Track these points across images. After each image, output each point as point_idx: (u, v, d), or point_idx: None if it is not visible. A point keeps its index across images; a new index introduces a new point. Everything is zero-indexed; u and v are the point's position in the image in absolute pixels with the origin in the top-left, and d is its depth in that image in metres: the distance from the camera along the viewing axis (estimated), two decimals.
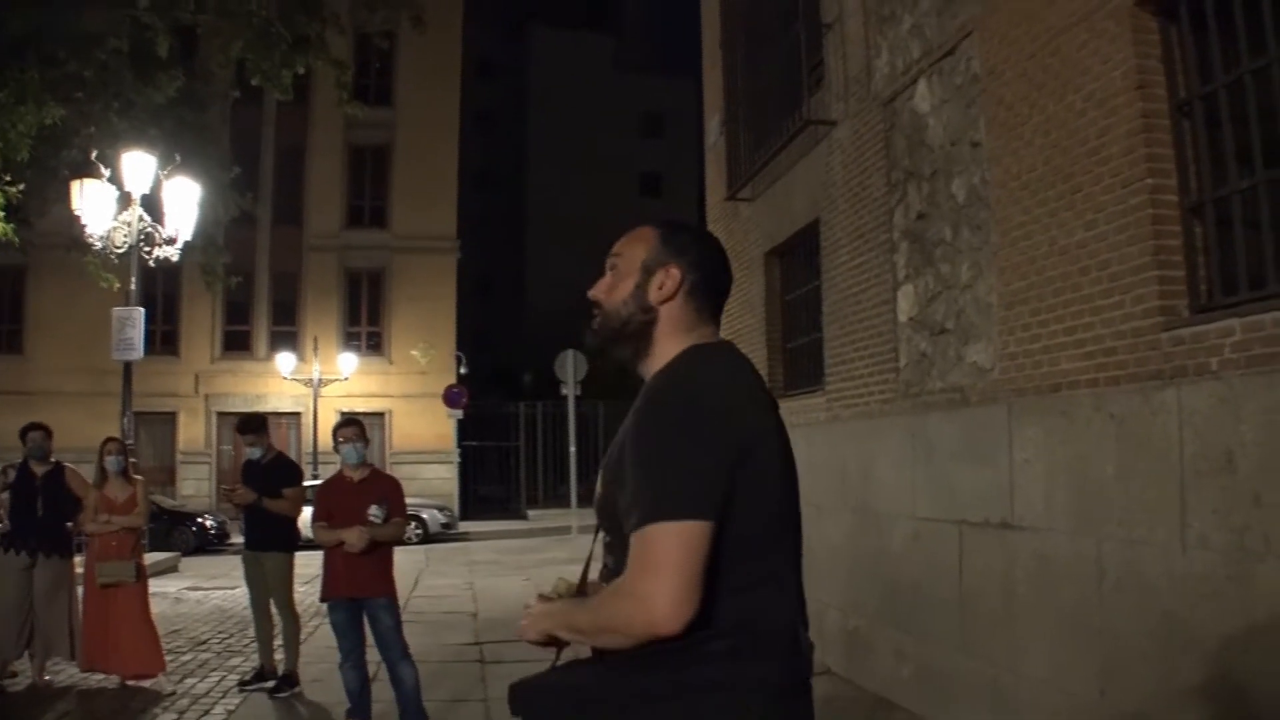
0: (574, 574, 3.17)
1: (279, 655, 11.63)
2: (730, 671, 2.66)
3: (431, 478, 43.31)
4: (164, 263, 20.08)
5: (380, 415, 45.20)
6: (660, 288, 3.04)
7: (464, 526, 38.90)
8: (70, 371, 38.98)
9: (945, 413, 9.63)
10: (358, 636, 9.47)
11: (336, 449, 9.69)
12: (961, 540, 9.19)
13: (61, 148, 21.17)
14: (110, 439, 12.26)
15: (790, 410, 13.21)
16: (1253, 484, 5.87)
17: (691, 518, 2.58)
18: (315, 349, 43.00)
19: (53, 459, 12.00)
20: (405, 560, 16.65)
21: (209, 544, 32.00)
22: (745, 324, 15.44)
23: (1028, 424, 8.21)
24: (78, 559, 12.33)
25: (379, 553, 9.33)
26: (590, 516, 3.38)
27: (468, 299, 52.30)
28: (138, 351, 18.96)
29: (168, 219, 19.56)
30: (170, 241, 19.55)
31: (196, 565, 26.33)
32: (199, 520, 32.96)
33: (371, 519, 9.17)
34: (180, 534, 31.09)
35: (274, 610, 11.64)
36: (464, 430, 44.92)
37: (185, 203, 19.76)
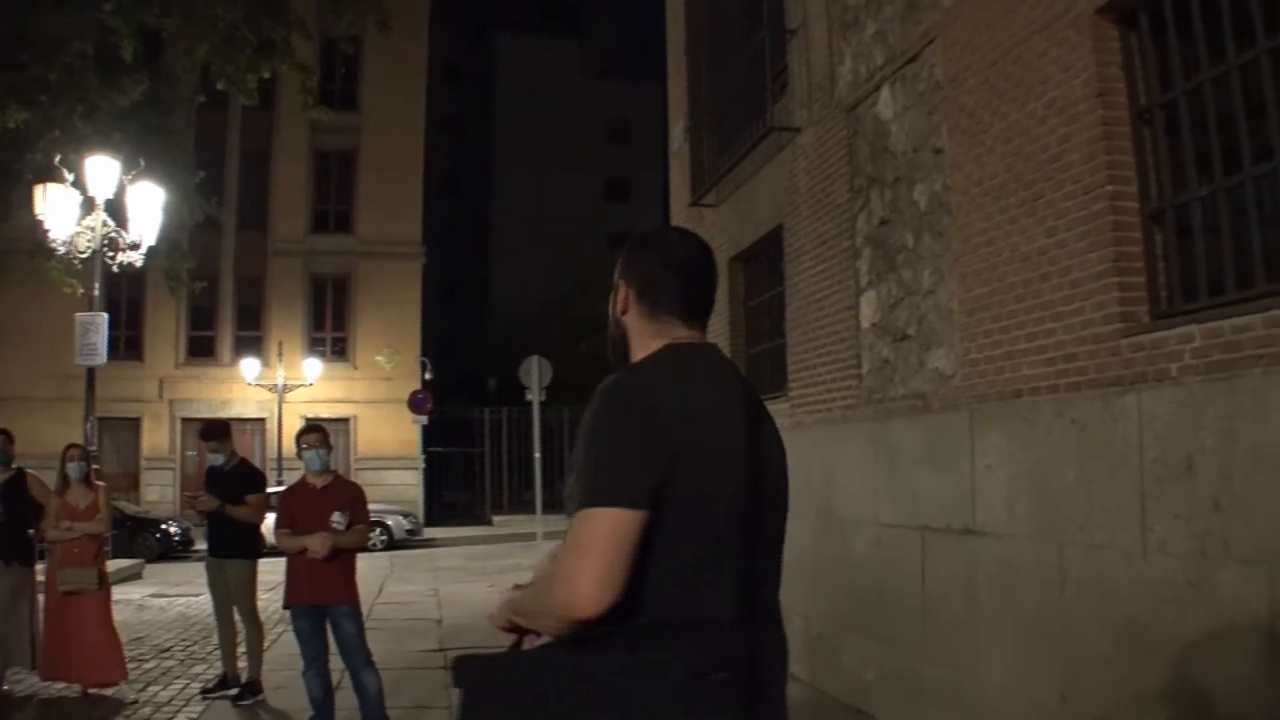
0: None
1: (242, 663, 11.59)
2: (640, 660, 2.67)
3: (396, 484, 43.13)
4: (128, 268, 19.91)
5: (345, 421, 45.01)
6: (620, 303, 3.22)
7: (429, 533, 38.85)
8: (33, 377, 38.66)
9: (907, 419, 9.65)
10: (321, 644, 9.42)
11: (300, 455, 9.65)
12: (924, 546, 9.22)
13: (24, 151, 21.06)
14: (72, 445, 12.18)
15: None
16: (1212, 489, 5.90)
17: (618, 505, 2.66)
18: (280, 354, 42.84)
19: (14, 465, 11.91)
20: (370, 567, 16.64)
21: (173, 551, 31.78)
22: (709, 329, 15.42)
23: (989, 430, 8.24)
24: (39, 566, 12.24)
25: (342, 559, 9.29)
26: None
27: (433, 304, 52.22)
28: (101, 357, 18.81)
29: (132, 224, 19.40)
30: (134, 246, 19.39)
31: (161, 572, 26.22)
32: (163, 527, 32.70)
33: (334, 525, 9.15)
34: (144, 540, 30.93)
35: (237, 617, 11.59)
36: (429, 436, 44.88)
37: (149, 207, 19.61)
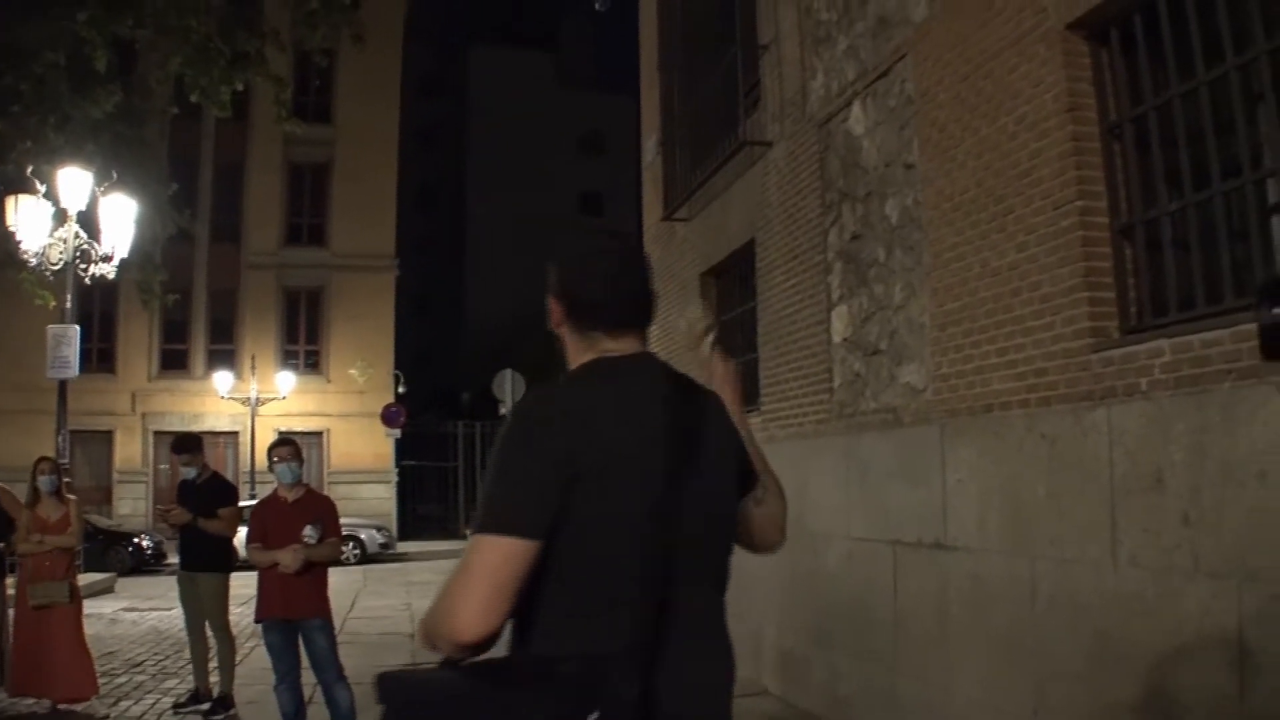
0: None
1: (214, 677, 11.52)
2: (506, 700, 2.60)
3: (369, 497, 42.99)
4: (100, 280, 19.86)
5: (318, 434, 44.88)
6: (553, 318, 3.15)
7: (402, 547, 38.70)
8: (4, 389, 38.42)
9: (879, 433, 9.67)
10: (293, 658, 9.40)
11: (271, 469, 9.64)
12: (896, 560, 9.23)
13: None
14: (43, 458, 12.13)
15: None
16: (1182, 503, 5.92)
17: (508, 534, 2.64)
18: (253, 368, 42.68)
19: None
20: (342, 581, 16.61)
21: (146, 564, 31.52)
22: (681, 344, 15.45)
23: (960, 444, 8.26)
24: (10, 580, 12.18)
25: (314, 573, 9.27)
26: None
27: (407, 317, 52.14)
28: (73, 370, 18.76)
29: (104, 236, 19.35)
30: (107, 259, 19.34)
31: (133, 586, 26.05)
32: (135, 540, 32.40)
33: (306, 539, 9.12)
34: (116, 554, 30.67)
35: (209, 632, 11.54)
36: (402, 449, 44.77)
37: (122, 219, 19.56)
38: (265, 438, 35.19)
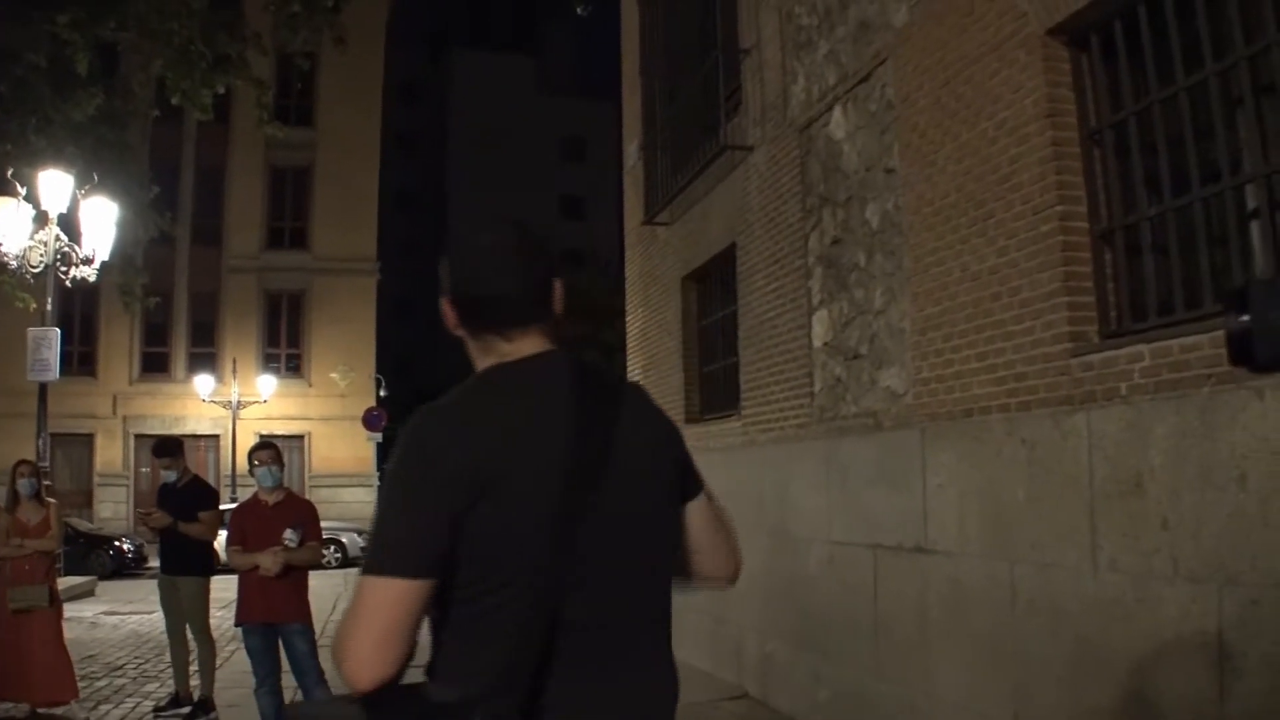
0: None
1: (195, 681, 11.49)
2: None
3: (351, 501, 42.88)
4: (81, 283, 19.78)
5: (299, 438, 44.91)
6: (447, 321, 2.87)
7: None
8: None
9: (859, 437, 9.68)
10: (273, 662, 9.38)
11: (252, 472, 9.63)
12: (876, 564, 9.24)
13: None
14: (23, 461, 12.05)
15: (707, 434, 13.24)
16: (1161, 507, 5.94)
17: (394, 575, 2.46)
18: (234, 371, 42.69)
19: None
20: (323, 585, 16.53)
21: (126, 568, 31.44)
22: (662, 348, 15.48)
23: (940, 449, 8.26)
24: None
25: (294, 577, 9.27)
26: None
27: (388, 321, 52.17)
28: (53, 372, 18.69)
29: (85, 238, 19.28)
30: (87, 261, 19.28)
31: (114, 589, 25.98)
32: (116, 544, 32.32)
33: (286, 543, 9.12)
34: (97, 557, 30.62)
35: (190, 635, 11.51)
36: (384, 453, 44.61)
37: (103, 222, 19.50)
38: (246, 441, 35.13)
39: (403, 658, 2.46)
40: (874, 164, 9.50)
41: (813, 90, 10.78)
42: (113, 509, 42.82)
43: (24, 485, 11.60)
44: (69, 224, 19.15)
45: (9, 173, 18.96)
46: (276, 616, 9.23)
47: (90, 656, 14.91)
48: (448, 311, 2.82)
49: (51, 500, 12.04)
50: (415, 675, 2.54)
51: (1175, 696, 5.87)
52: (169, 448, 11.78)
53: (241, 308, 46.25)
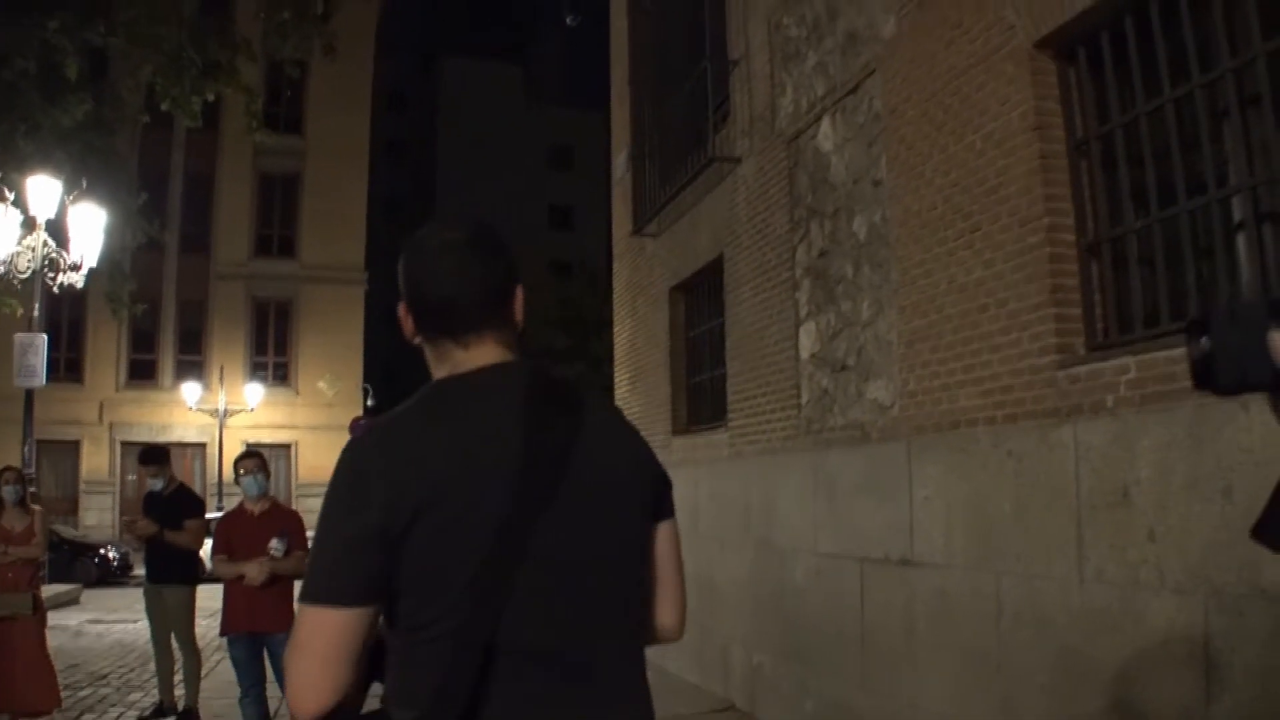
0: None
1: (179, 690, 11.47)
2: None
3: None
4: (68, 289, 19.78)
5: (286, 447, 44.89)
6: (404, 328, 2.76)
7: None
8: None
9: (846, 449, 9.68)
10: (258, 671, 9.38)
11: (237, 481, 9.62)
12: (863, 576, 9.23)
13: None
14: (8, 467, 12.01)
15: (694, 446, 13.25)
16: (1147, 519, 5.94)
17: (327, 603, 2.36)
18: (221, 379, 42.67)
19: None
20: None
21: (112, 576, 31.29)
22: (650, 359, 15.48)
23: (927, 461, 8.26)
24: None
25: (280, 587, 9.24)
26: None
27: (376, 330, 52.01)
28: (40, 378, 18.68)
29: (73, 245, 19.32)
30: (75, 267, 19.29)
31: (98, 598, 25.90)
32: (101, 552, 32.10)
33: (272, 552, 9.12)
34: (82, 565, 30.45)
35: (175, 644, 11.48)
36: None
37: (91, 228, 19.52)
38: (233, 450, 35.03)
39: (343, 686, 2.38)
40: (862, 176, 9.51)
41: (801, 102, 10.79)
42: (98, 516, 42.74)
43: (9, 492, 11.54)
44: (57, 230, 19.17)
45: None
46: (261, 626, 9.21)
47: (74, 665, 14.86)
48: (403, 317, 2.71)
49: (37, 507, 11.98)
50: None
51: (1161, 707, 5.87)
52: (155, 456, 11.77)
53: (229, 315, 46.24)
